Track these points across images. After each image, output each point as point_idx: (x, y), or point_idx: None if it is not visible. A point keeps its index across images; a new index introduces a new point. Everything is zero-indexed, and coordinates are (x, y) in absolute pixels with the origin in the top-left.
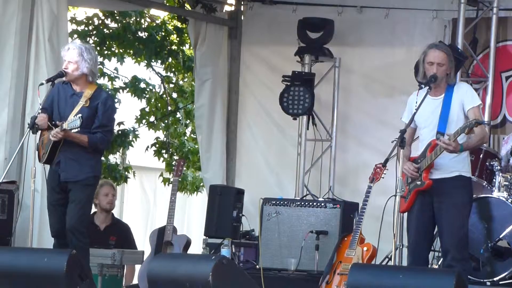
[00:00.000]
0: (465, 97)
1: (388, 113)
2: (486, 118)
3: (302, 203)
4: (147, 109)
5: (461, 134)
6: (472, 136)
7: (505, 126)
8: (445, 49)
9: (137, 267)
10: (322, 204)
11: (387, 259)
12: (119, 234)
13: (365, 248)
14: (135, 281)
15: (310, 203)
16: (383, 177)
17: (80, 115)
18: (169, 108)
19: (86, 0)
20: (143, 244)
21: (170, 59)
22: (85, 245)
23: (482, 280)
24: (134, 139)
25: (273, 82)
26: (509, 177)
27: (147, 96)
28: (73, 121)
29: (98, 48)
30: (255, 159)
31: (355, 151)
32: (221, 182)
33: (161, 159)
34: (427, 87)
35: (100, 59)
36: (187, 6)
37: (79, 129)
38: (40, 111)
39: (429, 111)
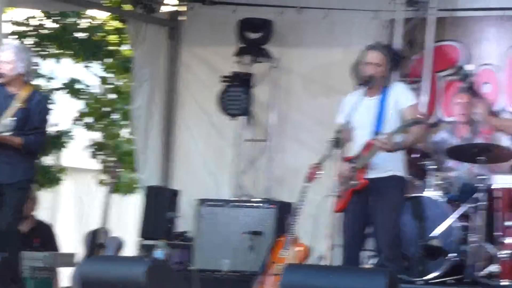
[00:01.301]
0: (401, 96)
1: (326, 113)
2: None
3: (238, 204)
4: (84, 110)
5: (397, 133)
6: (407, 136)
7: (439, 125)
8: (382, 50)
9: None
10: (258, 204)
11: (320, 259)
12: (43, 236)
13: (299, 248)
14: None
15: (246, 204)
16: (319, 177)
17: (13, 118)
18: (107, 109)
19: (25, 1)
20: (77, 246)
21: (109, 59)
22: (17, 248)
23: (414, 279)
24: (68, 140)
25: (212, 82)
26: (442, 176)
27: (85, 97)
28: (5, 124)
29: (36, 48)
30: (193, 159)
31: (292, 151)
32: (158, 183)
33: (96, 160)
34: (364, 88)
35: (37, 59)
36: (127, 7)
37: (12, 131)
38: None
39: (365, 111)
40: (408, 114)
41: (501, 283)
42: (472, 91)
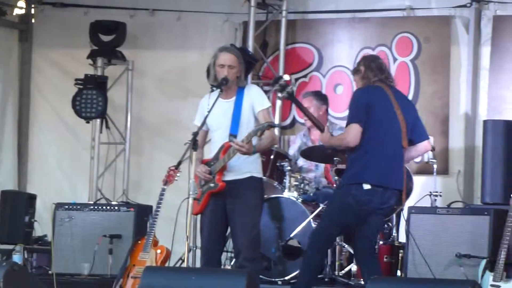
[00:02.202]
0: (255, 99)
1: (181, 115)
2: (276, 119)
3: (96, 207)
4: None
5: (254, 136)
6: (263, 138)
7: (295, 127)
8: (235, 52)
9: None
10: (116, 207)
11: (180, 261)
12: None
13: (158, 251)
14: None
15: (104, 207)
16: (176, 180)
17: None
18: None
19: None
20: None
21: None
22: None
23: (274, 279)
24: None
25: (66, 85)
26: (298, 177)
27: None
28: None
29: None
30: (48, 163)
31: (149, 153)
32: (13, 187)
33: None
34: (219, 90)
35: None
36: None
37: None
38: None
39: (220, 113)
40: (262, 117)
41: (360, 282)
42: (316, 95)
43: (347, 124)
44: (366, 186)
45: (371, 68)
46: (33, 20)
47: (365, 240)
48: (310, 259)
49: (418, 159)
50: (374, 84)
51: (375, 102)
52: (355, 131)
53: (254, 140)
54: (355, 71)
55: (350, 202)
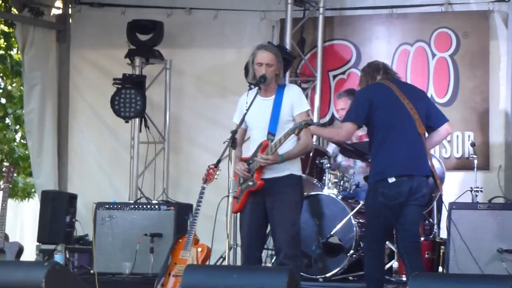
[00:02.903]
0: (295, 101)
1: (220, 114)
2: (315, 117)
3: (136, 206)
4: None
5: (291, 134)
6: (298, 145)
7: (334, 124)
8: (273, 50)
9: None
10: (156, 206)
11: (221, 259)
12: None
13: (199, 249)
14: None
15: (144, 206)
16: (216, 178)
17: None
18: None
19: None
20: None
21: None
22: None
23: (314, 277)
24: None
25: (104, 85)
26: (338, 174)
27: None
28: None
29: None
30: (88, 163)
31: (188, 152)
32: (54, 188)
33: None
34: (257, 88)
35: None
36: (14, 10)
37: None
38: None
39: (259, 111)
40: (300, 119)
41: (401, 278)
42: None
43: (343, 121)
44: (391, 180)
45: (366, 73)
46: (70, 20)
47: (405, 233)
48: (369, 270)
49: (458, 155)
50: (374, 82)
51: (377, 98)
52: (349, 128)
53: (290, 142)
54: (359, 85)
55: (381, 201)
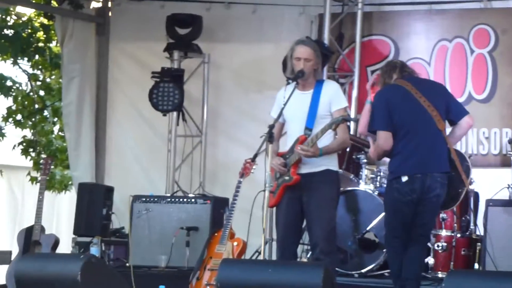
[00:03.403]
0: (333, 97)
1: (257, 108)
2: (352, 112)
3: (172, 200)
4: (13, 107)
5: (328, 130)
6: (335, 140)
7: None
8: (311, 45)
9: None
10: (193, 200)
11: (257, 254)
12: None
13: (235, 243)
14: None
15: (180, 200)
16: (252, 172)
17: None
18: (36, 106)
19: None
20: (11, 243)
21: (37, 57)
22: None
23: (350, 272)
24: (0, 137)
25: (143, 78)
26: (374, 170)
27: (14, 94)
28: None
29: None
30: (125, 156)
31: (225, 146)
32: (91, 180)
33: (29, 157)
34: (295, 82)
35: None
36: (54, 3)
37: None
38: None
39: (297, 106)
40: (338, 116)
41: (437, 275)
42: None
43: (374, 130)
44: (404, 178)
45: (384, 72)
46: (110, 14)
47: (416, 228)
48: (390, 266)
49: (496, 151)
50: (389, 84)
51: (393, 100)
52: (383, 136)
53: (326, 138)
54: (373, 85)
55: (396, 196)
